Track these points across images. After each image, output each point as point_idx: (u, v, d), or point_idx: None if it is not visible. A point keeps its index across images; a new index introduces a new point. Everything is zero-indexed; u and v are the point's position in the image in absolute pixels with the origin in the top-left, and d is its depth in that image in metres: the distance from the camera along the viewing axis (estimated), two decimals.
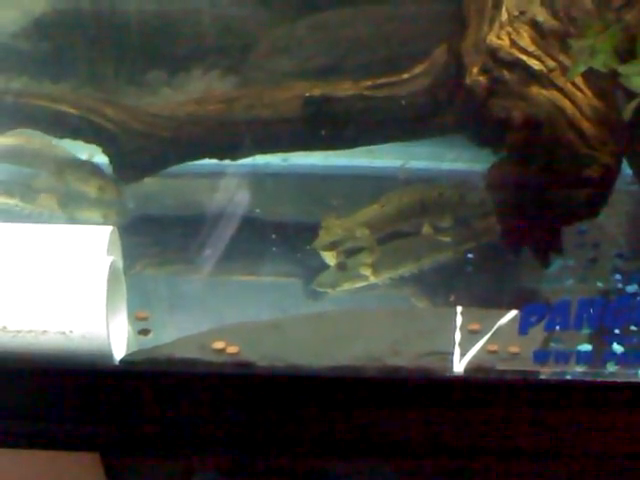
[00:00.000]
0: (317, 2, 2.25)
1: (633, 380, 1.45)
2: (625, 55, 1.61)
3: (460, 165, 2.25)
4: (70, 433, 1.52)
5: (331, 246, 1.93)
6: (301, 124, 2.06)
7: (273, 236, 2.02)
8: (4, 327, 1.44)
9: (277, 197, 2.26)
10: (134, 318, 1.64)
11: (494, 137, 1.82)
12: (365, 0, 2.20)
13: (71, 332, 1.43)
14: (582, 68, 1.63)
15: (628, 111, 1.64)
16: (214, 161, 2.14)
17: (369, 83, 2.04)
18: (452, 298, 1.77)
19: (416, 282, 1.90)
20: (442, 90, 1.97)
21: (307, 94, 2.05)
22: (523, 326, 1.46)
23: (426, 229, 2.02)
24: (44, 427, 1.51)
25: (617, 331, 1.50)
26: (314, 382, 1.47)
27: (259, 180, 2.24)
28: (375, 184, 2.22)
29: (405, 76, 2.02)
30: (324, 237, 1.93)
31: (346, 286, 1.89)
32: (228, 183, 2.20)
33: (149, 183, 2.16)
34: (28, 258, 1.50)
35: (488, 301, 1.73)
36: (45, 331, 1.44)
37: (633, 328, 1.50)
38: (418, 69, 2.01)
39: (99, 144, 2.12)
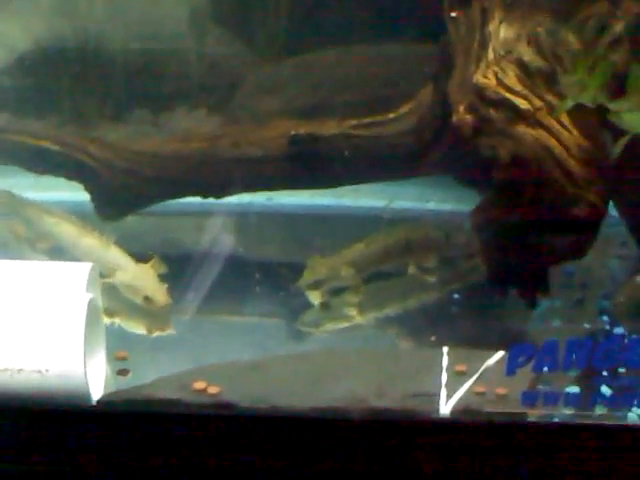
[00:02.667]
0: (302, 42, 2.26)
1: (622, 423, 1.43)
2: (614, 92, 1.61)
3: (446, 205, 2.24)
4: (46, 474, 1.48)
5: (315, 285, 1.91)
6: (286, 163, 2.05)
7: (257, 275, 2.00)
8: None
9: (261, 236, 2.24)
10: (113, 358, 1.60)
11: (480, 177, 1.81)
12: (351, 40, 2.21)
13: (47, 371, 1.40)
14: (571, 103, 1.62)
15: (618, 147, 1.63)
16: (198, 199, 2.13)
17: (354, 122, 2.03)
18: (438, 339, 1.74)
19: (401, 322, 1.88)
20: (428, 130, 1.96)
21: (292, 132, 2.04)
22: (510, 367, 1.43)
23: (411, 269, 2.00)
24: (18, 468, 1.47)
25: (605, 373, 1.48)
26: (297, 423, 1.44)
27: (243, 219, 2.23)
28: (360, 224, 2.21)
29: (391, 116, 2.02)
30: (308, 276, 1.91)
31: (330, 326, 1.86)
32: (212, 221, 2.18)
33: (131, 221, 2.14)
34: (5, 294, 1.47)
35: (474, 342, 1.71)
36: (21, 369, 1.40)
37: (621, 370, 1.48)
38: (404, 109, 2.01)
39: (81, 181, 2.10)
